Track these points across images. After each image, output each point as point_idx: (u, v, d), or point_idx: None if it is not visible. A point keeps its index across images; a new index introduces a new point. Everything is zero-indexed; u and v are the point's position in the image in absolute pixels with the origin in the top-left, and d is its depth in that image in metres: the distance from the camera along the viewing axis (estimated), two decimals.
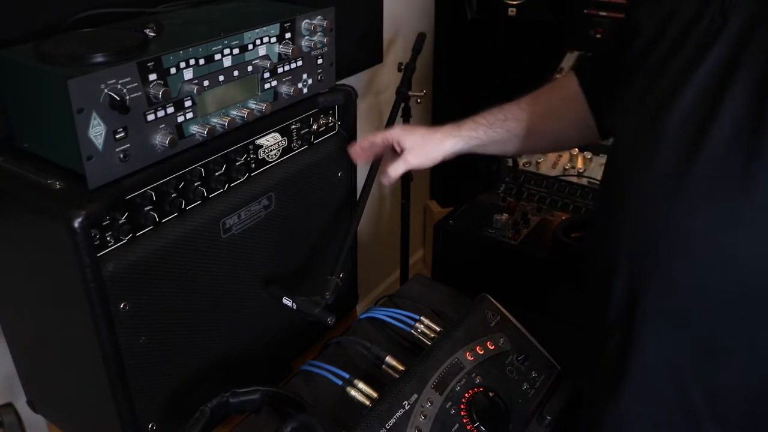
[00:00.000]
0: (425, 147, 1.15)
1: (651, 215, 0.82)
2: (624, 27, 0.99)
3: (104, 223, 0.87)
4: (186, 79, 0.93)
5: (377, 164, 1.24)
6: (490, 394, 1.03)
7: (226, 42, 0.98)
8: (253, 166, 1.10)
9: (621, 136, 0.94)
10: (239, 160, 1.06)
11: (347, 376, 1.04)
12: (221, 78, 0.99)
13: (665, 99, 0.82)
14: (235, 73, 1.01)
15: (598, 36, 1.99)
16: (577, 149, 1.75)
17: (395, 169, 1.13)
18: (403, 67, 1.71)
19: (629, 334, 0.88)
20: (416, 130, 1.17)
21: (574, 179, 1.72)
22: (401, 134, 1.16)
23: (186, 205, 0.99)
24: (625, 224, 0.87)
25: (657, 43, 0.87)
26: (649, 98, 0.85)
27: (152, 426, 1.02)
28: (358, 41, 1.88)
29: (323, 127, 1.23)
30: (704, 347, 0.83)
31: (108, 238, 0.88)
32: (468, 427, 0.99)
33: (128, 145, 0.88)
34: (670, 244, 0.81)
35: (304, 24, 1.11)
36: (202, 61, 0.95)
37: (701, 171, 0.77)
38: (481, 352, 1.08)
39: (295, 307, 1.06)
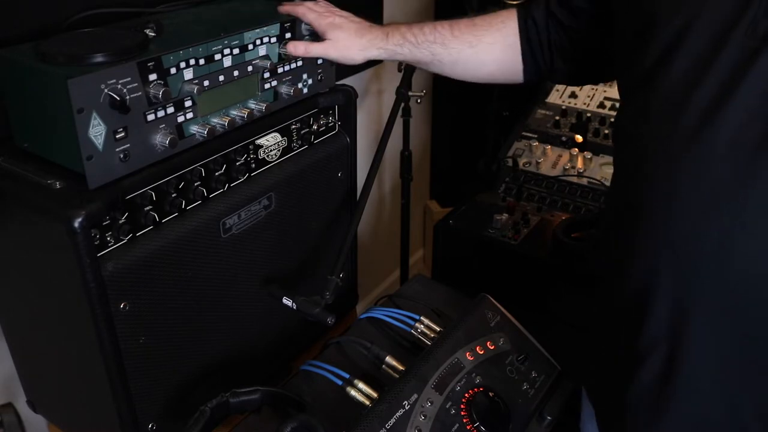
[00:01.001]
0: (349, 49, 1.11)
1: (701, 236, 0.77)
2: (628, 11, 0.89)
3: (104, 223, 0.87)
4: (186, 79, 0.93)
5: (377, 164, 1.24)
6: (490, 394, 1.03)
7: (226, 42, 0.98)
8: (253, 166, 1.10)
9: (648, 146, 0.83)
10: (239, 160, 1.06)
11: (347, 376, 1.04)
12: (221, 78, 0.99)
13: (708, 112, 0.75)
14: (235, 73, 1.01)
15: None
16: (576, 149, 1.75)
17: (309, 50, 1.10)
18: (403, 67, 1.70)
19: (673, 359, 0.82)
20: (346, 27, 1.12)
21: (574, 179, 1.72)
22: (331, 27, 1.11)
23: (186, 205, 0.99)
24: (665, 246, 0.80)
25: (683, 44, 0.78)
26: (685, 108, 0.77)
27: (152, 426, 1.02)
28: None
29: (323, 127, 1.23)
30: (753, 357, 0.80)
31: (108, 238, 0.88)
32: (468, 427, 0.99)
33: (128, 145, 0.88)
34: (725, 263, 0.76)
35: (305, 24, 1.11)
36: (202, 61, 0.95)
37: (762, 186, 0.72)
38: (481, 352, 1.08)
39: (294, 307, 1.06)
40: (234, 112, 1.03)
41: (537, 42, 1.07)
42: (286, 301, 1.07)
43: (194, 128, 0.97)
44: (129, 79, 0.85)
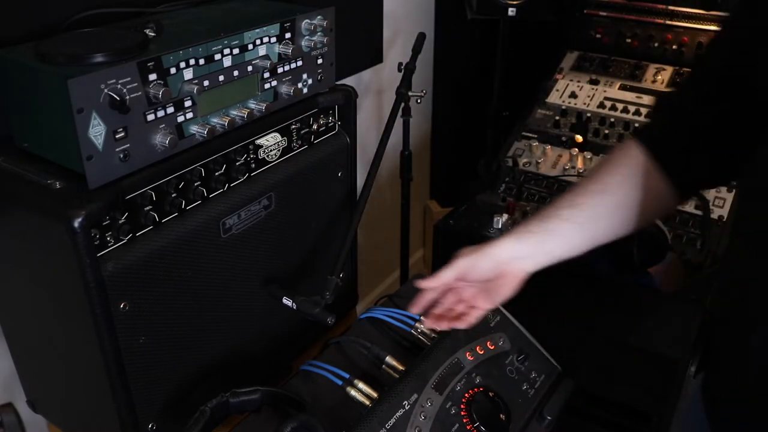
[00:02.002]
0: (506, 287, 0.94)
1: None
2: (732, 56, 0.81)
3: (104, 223, 0.87)
4: (186, 79, 0.93)
5: (377, 164, 1.23)
6: (490, 394, 1.03)
7: (226, 42, 0.98)
8: (253, 166, 1.10)
9: None
10: (239, 160, 1.06)
11: (347, 376, 1.04)
12: (221, 78, 0.99)
13: None
14: (235, 73, 1.01)
15: (598, 36, 1.99)
16: (576, 149, 1.75)
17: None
18: (403, 67, 1.70)
19: None
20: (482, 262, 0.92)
21: (574, 179, 1.72)
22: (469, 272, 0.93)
23: (186, 205, 0.99)
24: None
25: None
26: None
27: (152, 426, 1.02)
28: (358, 41, 1.88)
29: (323, 127, 1.23)
30: None
31: (108, 238, 0.88)
32: (468, 427, 0.99)
33: (128, 145, 0.88)
34: None
35: (304, 24, 1.11)
36: (202, 61, 0.95)
37: None
38: (481, 352, 1.08)
39: (294, 307, 1.06)
40: (234, 112, 1.03)
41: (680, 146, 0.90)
42: (286, 301, 1.07)
43: (194, 128, 0.97)
44: (129, 79, 0.85)
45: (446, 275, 0.92)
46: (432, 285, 0.93)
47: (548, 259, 0.95)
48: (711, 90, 0.87)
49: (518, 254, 0.93)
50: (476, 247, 0.93)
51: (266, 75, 1.07)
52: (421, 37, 1.73)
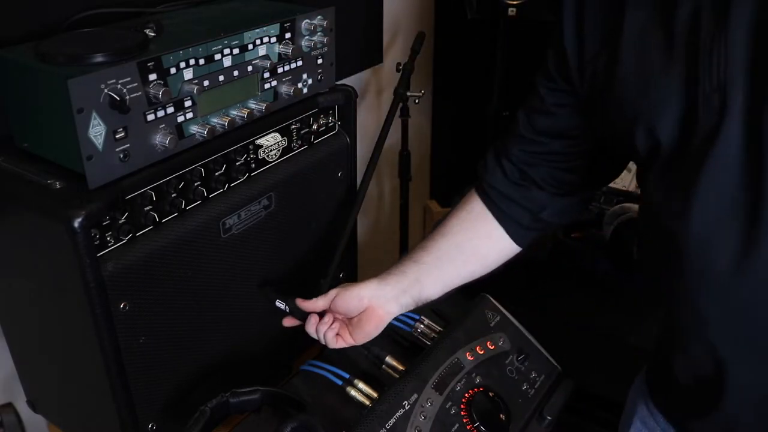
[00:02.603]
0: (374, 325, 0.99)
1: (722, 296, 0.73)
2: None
3: (104, 223, 0.87)
4: (186, 79, 0.93)
5: (373, 165, 1.23)
6: (490, 394, 1.03)
7: (226, 42, 0.98)
8: (253, 166, 1.10)
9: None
10: (239, 160, 1.06)
11: (347, 376, 1.04)
12: (221, 78, 0.99)
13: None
14: (235, 73, 1.01)
15: None
16: None
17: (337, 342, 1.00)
18: (401, 67, 1.70)
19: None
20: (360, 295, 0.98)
21: None
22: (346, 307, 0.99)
23: (186, 205, 0.99)
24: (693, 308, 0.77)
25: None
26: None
27: (152, 426, 1.02)
28: (358, 41, 1.88)
29: (323, 127, 1.23)
30: None
31: (108, 238, 0.88)
32: (468, 427, 0.99)
33: (128, 145, 0.88)
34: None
35: (304, 24, 1.11)
36: (202, 61, 0.95)
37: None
38: (481, 352, 1.08)
39: (288, 310, 1.06)
40: (234, 112, 1.03)
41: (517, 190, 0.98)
42: (279, 304, 1.07)
43: (194, 128, 0.97)
44: (129, 79, 0.85)
45: (318, 303, 1.01)
46: (307, 307, 1.02)
47: (411, 300, 0.99)
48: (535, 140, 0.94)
49: (379, 294, 0.97)
50: (350, 284, 1.00)
51: (266, 75, 1.07)
52: (420, 37, 1.73)
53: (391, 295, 0.97)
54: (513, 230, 1.00)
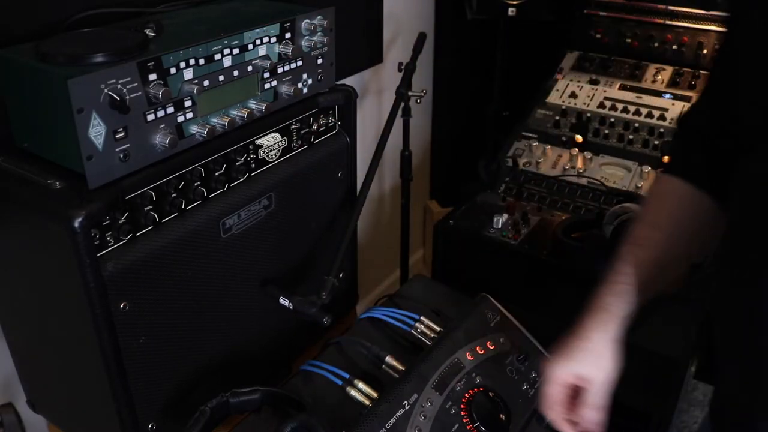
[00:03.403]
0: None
1: None
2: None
3: (104, 223, 0.87)
4: (186, 79, 0.93)
5: (375, 164, 1.23)
6: (490, 394, 1.03)
7: (226, 42, 0.98)
8: (253, 166, 1.10)
9: None
10: (239, 160, 1.06)
11: (347, 376, 1.04)
12: (221, 78, 0.99)
13: None
14: (235, 73, 1.01)
15: (598, 36, 1.99)
16: (576, 149, 1.75)
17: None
18: (403, 67, 1.70)
19: None
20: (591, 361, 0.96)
21: (574, 179, 1.72)
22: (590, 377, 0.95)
23: (186, 205, 0.99)
24: None
25: None
26: None
27: (152, 426, 1.02)
28: (358, 41, 1.88)
29: (323, 127, 1.23)
30: None
31: (108, 238, 0.88)
32: (468, 427, 0.99)
33: (128, 145, 0.88)
34: None
35: (304, 24, 1.11)
36: (202, 61, 0.95)
37: None
38: (481, 352, 1.08)
39: (291, 307, 1.06)
40: (234, 112, 1.03)
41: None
42: (283, 301, 1.07)
43: (194, 128, 0.97)
44: (129, 79, 0.85)
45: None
46: None
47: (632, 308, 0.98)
48: (727, 110, 0.86)
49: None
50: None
51: (266, 75, 1.07)
52: (421, 37, 1.72)
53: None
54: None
